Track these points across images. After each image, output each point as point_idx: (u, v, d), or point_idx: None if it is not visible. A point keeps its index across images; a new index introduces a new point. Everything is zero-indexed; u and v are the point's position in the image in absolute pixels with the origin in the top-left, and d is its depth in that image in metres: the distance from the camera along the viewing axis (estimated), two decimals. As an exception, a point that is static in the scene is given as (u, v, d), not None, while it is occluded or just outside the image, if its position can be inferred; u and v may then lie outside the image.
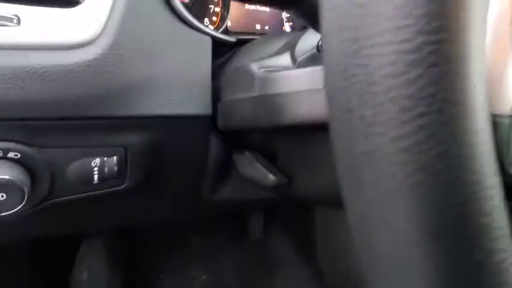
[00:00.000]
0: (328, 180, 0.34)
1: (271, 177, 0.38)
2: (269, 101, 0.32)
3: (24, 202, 0.31)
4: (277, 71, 0.33)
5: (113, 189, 0.36)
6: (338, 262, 0.73)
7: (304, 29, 0.60)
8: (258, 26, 0.58)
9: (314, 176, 0.36)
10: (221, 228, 0.92)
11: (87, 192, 0.36)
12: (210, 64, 0.38)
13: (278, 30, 0.60)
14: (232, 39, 0.44)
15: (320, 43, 0.34)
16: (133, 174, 0.36)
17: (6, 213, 0.31)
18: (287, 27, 0.61)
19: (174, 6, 0.35)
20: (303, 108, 0.30)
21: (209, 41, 0.39)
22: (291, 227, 0.91)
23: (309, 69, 0.30)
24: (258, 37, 0.49)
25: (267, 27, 0.59)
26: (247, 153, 0.40)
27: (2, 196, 0.30)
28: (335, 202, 0.40)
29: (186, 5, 0.47)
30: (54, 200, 0.35)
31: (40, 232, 0.43)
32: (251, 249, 0.95)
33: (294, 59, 0.35)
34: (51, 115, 0.31)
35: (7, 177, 0.30)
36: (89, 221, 0.44)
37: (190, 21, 0.37)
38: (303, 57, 0.34)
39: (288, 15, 0.61)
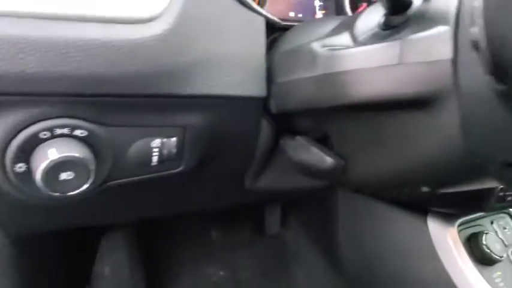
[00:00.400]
0: (387, 163, 0.33)
1: (329, 160, 0.36)
2: (335, 79, 0.31)
3: (89, 183, 0.30)
4: (343, 49, 0.32)
5: (169, 171, 0.35)
6: (361, 254, 0.73)
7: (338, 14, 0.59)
8: (291, 14, 0.58)
9: (371, 159, 0.35)
10: (240, 223, 0.91)
11: (145, 174, 0.35)
12: (264, 45, 0.37)
13: (311, 18, 0.59)
14: (281, 22, 0.43)
15: (384, 21, 0.33)
16: (189, 156, 0.35)
17: (71, 193, 0.30)
18: (319, 14, 0.60)
19: None
20: (374, 86, 0.29)
21: (263, 22, 0.38)
22: (307, 221, 0.90)
23: (382, 45, 0.29)
24: (294, 23, 0.48)
25: (300, 15, 0.58)
26: (298, 138, 0.39)
27: (69, 175, 0.29)
28: (388, 187, 0.39)
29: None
30: (112, 182, 0.34)
31: (93, 218, 0.42)
32: (268, 244, 0.94)
33: (354, 38, 0.33)
34: (118, 91, 0.29)
35: (77, 155, 0.28)
36: (139, 207, 0.43)
37: (247, 2, 0.36)
38: (364, 36, 0.33)
39: (321, 3, 0.60)
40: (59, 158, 0.28)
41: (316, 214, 0.86)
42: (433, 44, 0.25)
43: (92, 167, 0.29)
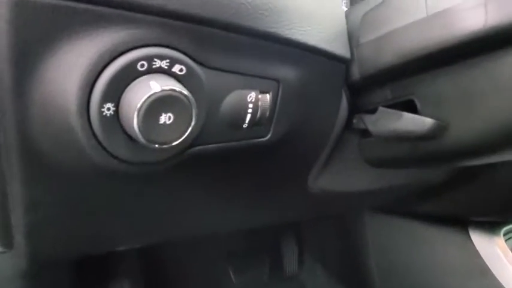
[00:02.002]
0: (491, 116, 0.30)
1: (429, 120, 0.31)
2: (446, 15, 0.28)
3: (187, 132, 0.24)
4: None
5: (256, 140, 0.31)
6: (399, 283, 0.66)
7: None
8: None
9: (475, 118, 0.31)
10: (258, 262, 0.84)
11: (233, 140, 0.30)
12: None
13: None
14: None
15: None
16: (279, 122, 0.32)
17: (171, 144, 0.24)
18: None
19: None
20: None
21: None
22: (327, 257, 0.84)
23: None
24: None
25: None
26: (382, 108, 0.35)
27: (170, 118, 0.23)
28: (492, 147, 0.34)
29: None
30: (197, 148, 0.29)
31: (167, 200, 0.35)
32: (287, 284, 0.86)
33: None
34: (221, 18, 0.26)
35: (185, 91, 0.23)
36: (214, 190, 0.37)
37: None
38: None
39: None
40: (164, 91, 0.22)
41: (339, 247, 0.80)
42: None
43: (195, 110, 0.24)
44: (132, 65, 0.23)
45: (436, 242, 0.60)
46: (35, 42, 0.22)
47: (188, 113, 0.24)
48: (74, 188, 0.29)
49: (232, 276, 0.78)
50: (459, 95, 0.31)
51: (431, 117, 0.32)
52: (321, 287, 0.85)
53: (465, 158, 0.35)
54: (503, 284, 0.52)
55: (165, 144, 0.24)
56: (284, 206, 0.45)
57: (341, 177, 0.42)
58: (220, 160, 0.33)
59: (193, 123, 0.24)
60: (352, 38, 0.35)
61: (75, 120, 0.23)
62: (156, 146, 0.24)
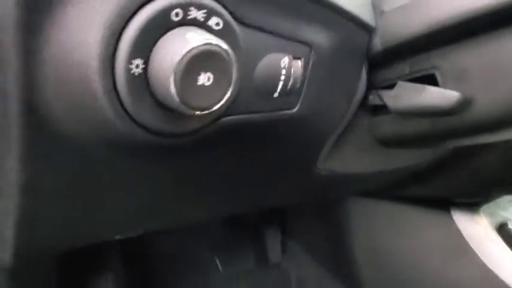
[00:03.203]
0: None
1: (455, 94, 0.30)
2: None
3: (226, 96, 0.21)
4: None
5: (283, 112, 0.29)
6: (383, 266, 0.68)
7: None
8: None
9: (500, 91, 0.30)
10: (242, 251, 0.84)
11: (263, 111, 0.28)
12: None
13: None
14: None
15: None
16: (308, 93, 0.30)
17: (210, 110, 0.21)
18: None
19: None
20: None
21: None
22: (311, 245, 0.85)
23: None
24: None
25: None
26: (401, 83, 0.34)
27: (209, 78, 0.20)
28: None
29: None
30: (227, 118, 0.26)
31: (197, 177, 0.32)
32: (270, 274, 0.86)
33: None
34: None
35: (226, 46, 0.20)
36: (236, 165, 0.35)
37: None
38: None
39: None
40: (206, 45, 0.19)
41: (323, 234, 0.81)
42: None
43: (235, 70, 0.21)
44: (166, 12, 0.19)
45: (419, 223, 0.62)
46: None
47: (229, 73, 0.21)
48: (85, 165, 0.25)
49: (219, 266, 0.78)
50: (484, 67, 0.30)
51: (455, 89, 0.31)
52: (306, 273, 0.86)
53: (486, 133, 0.35)
54: (483, 261, 0.54)
55: (204, 109, 0.21)
56: (291, 187, 0.43)
57: (350, 158, 0.41)
58: (244, 134, 0.30)
59: (232, 85, 0.22)
60: (375, 5, 0.34)
61: (96, 79, 0.19)
62: (193, 112, 0.20)
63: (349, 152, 0.41)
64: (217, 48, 0.20)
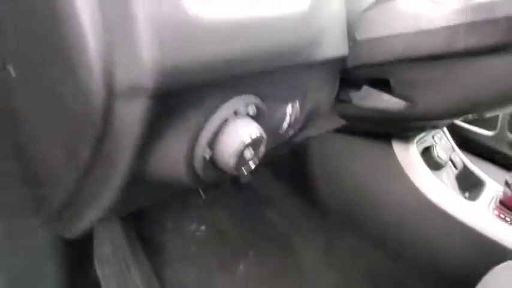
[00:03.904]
0: (458, 101, 0.42)
1: (402, 102, 0.43)
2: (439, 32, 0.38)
3: (260, 157, 0.33)
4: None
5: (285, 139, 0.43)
6: (335, 184, 0.83)
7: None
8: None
9: (439, 99, 0.44)
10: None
11: (274, 143, 0.40)
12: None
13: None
14: None
15: None
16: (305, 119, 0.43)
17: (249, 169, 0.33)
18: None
19: None
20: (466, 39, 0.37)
21: None
22: (277, 166, 0.98)
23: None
24: None
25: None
26: (365, 87, 0.45)
27: (251, 153, 0.31)
28: (454, 117, 0.48)
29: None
30: None
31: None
32: (241, 193, 1.00)
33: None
34: (282, 63, 0.33)
35: (263, 135, 0.31)
36: None
37: None
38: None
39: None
40: (254, 137, 0.30)
41: (286, 159, 0.93)
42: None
43: (265, 140, 0.33)
44: (225, 116, 0.30)
45: (366, 151, 0.75)
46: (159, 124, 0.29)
47: (263, 144, 0.32)
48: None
49: (201, 193, 0.89)
50: (428, 82, 0.41)
51: (402, 94, 0.43)
52: (272, 191, 1.00)
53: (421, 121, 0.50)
54: (413, 181, 0.69)
55: (246, 171, 0.32)
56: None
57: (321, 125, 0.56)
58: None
59: (264, 149, 0.33)
60: (349, 30, 0.41)
61: (184, 173, 0.32)
62: (239, 172, 0.32)
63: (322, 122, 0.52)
64: (258, 138, 0.31)
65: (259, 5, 0.29)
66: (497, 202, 0.66)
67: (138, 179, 0.32)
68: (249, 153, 0.30)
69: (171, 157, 0.31)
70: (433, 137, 0.78)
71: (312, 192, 0.87)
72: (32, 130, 0.33)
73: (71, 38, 0.25)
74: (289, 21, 0.32)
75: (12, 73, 0.30)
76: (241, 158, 0.30)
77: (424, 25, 0.37)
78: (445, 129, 0.81)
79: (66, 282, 0.58)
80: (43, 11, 0.26)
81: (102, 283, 0.69)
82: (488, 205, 0.66)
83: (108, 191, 0.33)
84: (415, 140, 0.72)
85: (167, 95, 0.25)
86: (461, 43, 0.35)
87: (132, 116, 0.26)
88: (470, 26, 0.35)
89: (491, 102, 0.41)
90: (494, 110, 0.48)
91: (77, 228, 0.40)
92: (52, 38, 0.26)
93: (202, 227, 0.94)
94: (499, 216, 0.63)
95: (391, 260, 0.73)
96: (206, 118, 0.30)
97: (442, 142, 0.80)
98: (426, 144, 0.74)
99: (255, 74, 0.31)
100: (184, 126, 0.30)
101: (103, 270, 0.69)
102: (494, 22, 0.34)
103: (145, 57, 0.24)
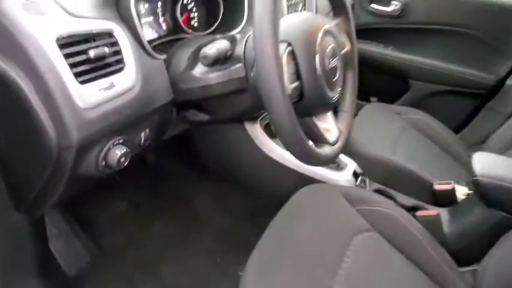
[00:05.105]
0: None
1: (205, 116, 0.79)
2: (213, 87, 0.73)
3: None
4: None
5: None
6: (216, 156, 1.19)
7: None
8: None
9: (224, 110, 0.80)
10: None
11: None
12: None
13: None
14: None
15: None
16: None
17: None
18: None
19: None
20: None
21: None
22: (174, 146, 1.28)
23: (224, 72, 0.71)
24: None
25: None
26: (191, 110, 0.79)
27: (123, 159, 0.66)
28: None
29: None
30: None
31: None
32: (150, 170, 1.31)
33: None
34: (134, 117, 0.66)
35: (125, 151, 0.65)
36: None
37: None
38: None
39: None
40: (123, 152, 0.64)
41: (181, 141, 1.25)
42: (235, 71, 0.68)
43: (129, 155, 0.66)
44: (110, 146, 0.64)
45: (231, 131, 1.06)
46: None
47: (128, 156, 0.68)
48: None
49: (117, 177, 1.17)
50: (220, 106, 0.78)
51: (208, 111, 0.81)
52: (171, 166, 1.33)
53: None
54: (259, 146, 1.05)
55: (122, 165, 0.64)
56: None
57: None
58: None
59: (129, 156, 0.67)
60: (174, 83, 0.80)
61: (94, 171, 0.68)
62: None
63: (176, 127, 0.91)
64: (126, 152, 0.71)
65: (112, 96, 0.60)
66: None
67: (74, 178, 0.62)
68: (122, 159, 0.64)
69: (89, 166, 0.62)
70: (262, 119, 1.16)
71: (199, 163, 1.22)
72: (16, 159, 0.61)
73: (35, 124, 0.54)
74: (132, 100, 0.63)
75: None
76: (118, 162, 0.63)
77: (207, 81, 0.72)
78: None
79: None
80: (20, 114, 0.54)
81: (56, 255, 0.96)
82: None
83: (59, 187, 0.63)
84: (259, 120, 1.09)
85: (81, 147, 0.56)
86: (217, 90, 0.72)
87: (69, 156, 0.57)
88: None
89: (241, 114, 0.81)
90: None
91: (42, 210, 0.69)
92: (25, 123, 0.55)
93: (124, 203, 1.24)
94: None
95: (248, 195, 1.14)
96: (101, 148, 0.61)
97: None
98: (266, 121, 1.12)
99: (124, 126, 0.62)
100: (93, 153, 0.61)
101: (54, 245, 0.96)
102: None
103: (70, 131, 0.55)
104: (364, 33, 1.62)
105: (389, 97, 1.70)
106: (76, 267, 0.95)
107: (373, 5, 1.64)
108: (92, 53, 0.55)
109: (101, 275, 1.00)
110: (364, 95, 1.77)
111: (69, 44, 0.54)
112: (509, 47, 1.47)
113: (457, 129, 1.54)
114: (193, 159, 1.24)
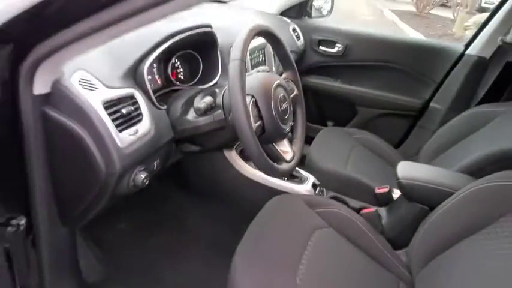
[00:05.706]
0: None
1: (196, 147, 1.06)
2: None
3: None
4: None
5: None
6: (201, 180, 1.43)
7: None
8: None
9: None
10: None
11: None
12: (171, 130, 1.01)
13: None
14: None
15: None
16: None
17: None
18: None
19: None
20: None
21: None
22: (166, 172, 1.52)
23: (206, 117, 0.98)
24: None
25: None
26: (186, 144, 1.05)
27: (145, 180, 0.87)
28: None
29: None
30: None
31: None
32: (145, 193, 1.52)
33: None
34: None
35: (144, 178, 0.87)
36: None
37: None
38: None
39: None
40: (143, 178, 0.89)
41: (172, 168, 1.49)
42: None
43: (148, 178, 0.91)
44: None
45: (213, 158, 1.30)
46: None
47: (147, 178, 0.93)
48: None
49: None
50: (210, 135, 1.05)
51: (197, 143, 1.09)
52: (164, 188, 1.56)
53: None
54: (235, 167, 1.29)
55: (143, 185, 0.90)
56: None
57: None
58: None
59: (148, 179, 0.93)
60: (174, 126, 1.06)
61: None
62: None
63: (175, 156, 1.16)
64: (145, 178, 0.94)
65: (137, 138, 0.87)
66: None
67: (112, 195, 0.85)
68: (145, 180, 0.88)
69: (123, 186, 0.86)
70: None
71: (188, 184, 1.46)
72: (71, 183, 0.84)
73: (89, 157, 0.79)
74: (150, 140, 0.89)
75: None
76: (142, 182, 0.88)
77: (197, 123, 1.00)
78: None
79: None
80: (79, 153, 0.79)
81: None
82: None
83: (102, 202, 0.86)
84: (234, 147, 1.34)
85: (120, 173, 0.81)
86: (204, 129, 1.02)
87: (112, 179, 0.82)
88: None
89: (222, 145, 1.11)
90: None
91: (83, 223, 0.92)
92: (81, 157, 0.79)
93: (122, 225, 1.45)
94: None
95: (230, 208, 1.38)
96: (131, 174, 0.87)
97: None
98: (240, 148, 1.37)
99: (144, 157, 0.87)
100: (126, 177, 0.86)
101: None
102: None
103: (115, 163, 0.80)
104: (317, 70, 2.03)
105: (342, 121, 2.04)
106: (92, 276, 1.16)
107: (321, 47, 2.02)
108: (124, 111, 0.81)
109: (110, 282, 1.21)
110: (322, 120, 2.11)
111: (110, 105, 0.80)
112: (427, 77, 1.85)
113: (397, 145, 1.88)
114: (183, 181, 1.48)
